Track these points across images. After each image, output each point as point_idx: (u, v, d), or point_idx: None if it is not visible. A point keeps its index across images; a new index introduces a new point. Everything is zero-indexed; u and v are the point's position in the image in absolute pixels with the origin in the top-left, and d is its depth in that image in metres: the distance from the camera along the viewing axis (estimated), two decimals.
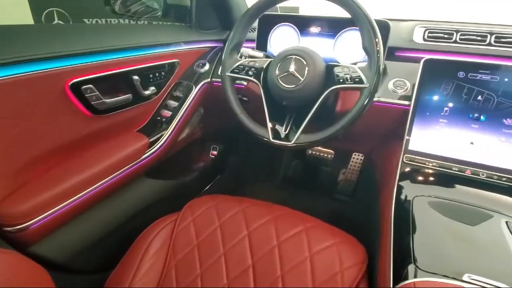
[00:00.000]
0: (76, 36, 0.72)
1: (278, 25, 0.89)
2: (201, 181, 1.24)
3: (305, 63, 0.66)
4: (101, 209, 0.79)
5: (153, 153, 0.85)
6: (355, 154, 1.38)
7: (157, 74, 0.85)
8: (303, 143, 0.68)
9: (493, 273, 0.47)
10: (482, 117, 0.67)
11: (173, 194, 1.04)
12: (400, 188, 0.68)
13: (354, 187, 1.39)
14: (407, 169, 0.70)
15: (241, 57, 0.80)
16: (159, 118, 0.90)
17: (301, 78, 0.65)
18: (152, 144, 0.85)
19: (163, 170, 0.99)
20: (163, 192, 1.01)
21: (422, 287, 0.44)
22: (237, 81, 0.88)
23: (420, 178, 0.68)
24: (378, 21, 0.75)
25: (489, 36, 0.77)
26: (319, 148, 1.42)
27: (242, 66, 0.74)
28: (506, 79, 0.67)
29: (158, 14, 0.97)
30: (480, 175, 0.65)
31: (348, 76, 0.65)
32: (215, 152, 1.27)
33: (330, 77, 0.67)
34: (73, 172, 0.70)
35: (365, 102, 0.62)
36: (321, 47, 0.84)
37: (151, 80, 0.84)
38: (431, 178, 0.68)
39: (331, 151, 1.41)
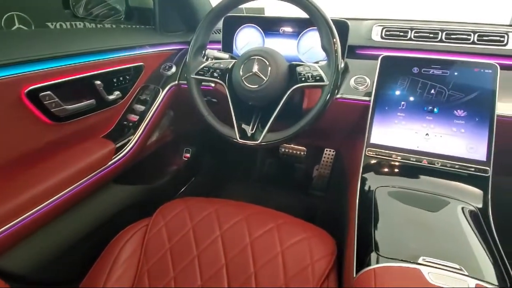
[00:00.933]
0: (33, 42, 0.70)
1: (242, 26, 0.90)
2: (175, 185, 1.23)
3: (267, 63, 0.67)
4: (68, 219, 0.77)
5: (120, 158, 0.84)
6: (327, 150, 1.42)
7: (121, 78, 0.83)
8: (270, 141, 0.69)
9: (447, 254, 0.50)
10: (435, 110, 0.72)
11: (145, 199, 1.03)
12: (364, 180, 0.71)
13: (328, 182, 1.43)
14: (370, 162, 0.73)
15: (206, 59, 0.80)
16: (125, 123, 0.88)
17: (265, 78, 0.67)
18: (118, 149, 0.84)
19: (134, 176, 0.98)
20: (135, 197, 0.99)
21: (381, 272, 0.47)
22: (205, 83, 0.89)
23: (382, 169, 0.72)
24: (337, 21, 0.78)
25: (440, 33, 0.82)
26: (291, 146, 1.45)
27: (207, 68, 0.74)
28: (455, 73, 0.72)
29: (121, 17, 0.96)
30: (436, 164, 0.69)
31: (309, 75, 0.67)
32: (188, 155, 1.26)
33: (293, 76, 0.69)
34: (35, 182, 0.67)
35: (327, 99, 0.65)
36: (285, 47, 0.86)
37: (116, 84, 0.82)
38: (392, 169, 0.71)
39: (303, 148, 1.44)
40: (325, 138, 1.14)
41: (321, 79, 0.65)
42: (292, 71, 0.69)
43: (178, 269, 0.70)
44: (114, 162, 0.82)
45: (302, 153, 1.45)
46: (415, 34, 0.83)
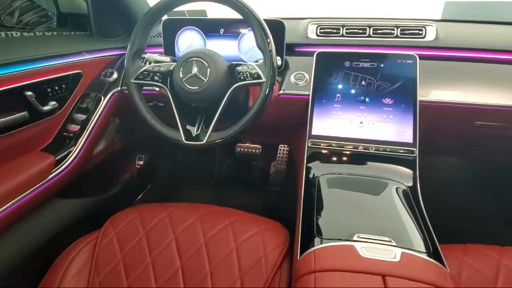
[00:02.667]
0: None
1: (183, 29, 0.90)
2: (129, 194, 1.19)
3: (206, 64, 0.68)
4: (6, 239, 0.72)
5: (62, 171, 0.80)
6: (281, 146, 1.47)
7: (57, 88, 0.79)
8: (215, 140, 0.70)
9: (379, 229, 0.55)
10: (367, 99, 0.78)
11: (96, 212, 0.99)
12: (308, 170, 0.75)
13: (284, 176, 1.48)
14: (313, 152, 0.77)
15: (147, 63, 0.79)
16: (66, 133, 0.84)
17: (205, 79, 0.68)
18: (59, 162, 0.80)
19: (81, 188, 0.93)
20: (84, 210, 0.95)
21: (320, 252, 0.50)
22: (149, 87, 0.88)
23: (324, 158, 0.76)
24: (273, 21, 0.82)
25: (368, 28, 0.88)
26: (247, 145, 1.47)
27: (146, 72, 0.74)
28: (382, 65, 0.79)
29: (53, 24, 0.91)
30: (370, 149, 0.75)
31: (248, 73, 0.69)
32: (141, 162, 1.23)
33: (233, 76, 0.71)
34: None
35: (265, 95, 0.67)
36: (227, 48, 0.88)
37: (51, 94, 0.78)
38: (333, 158, 0.76)
39: (259, 146, 1.47)
40: (276, 135, 1.18)
41: (259, 77, 0.68)
42: (232, 71, 0.71)
43: (132, 277, 0.69)
44: (55, 176, 0.78)
45: (257, 151, 1.48)
46: (346, 31, 0.89)
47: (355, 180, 0.71)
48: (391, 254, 0.48)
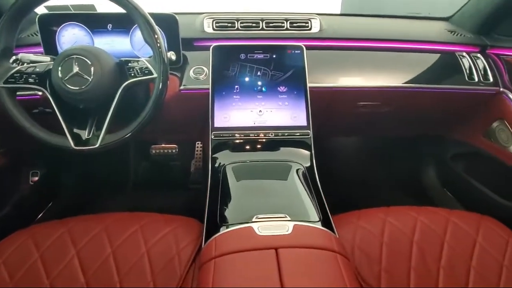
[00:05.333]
0: None
1: (63, 25, 0.82)
2: (22, 216, 1.04)
3: (89, 62, 0.63)
4: None
5: None
6: (198, 143, 1.46)
7: None
8: (110, 142, 0.66)
9: (276, 208, 0.59)
10: (264, 89, 0.82)
11: None
12: (214, 161, 0.76)
13: (204, 172, 1.47)
14: (217, 144, 0.79)
15: (19, 64, 0.70)
16: None
17: (89, 78, 0.63)
18: None
19: None
20: None
21: (221, 238, 0.52)
22: (28, 92, 0.77)
23: (229, 149, 0.79)
24: (164, 15, 0.80)
25: (261, 22, 0.93)
26: (161, 145, 1.42)
27: (19, 74, 0.65)
28: (274, 56, 0.84)
29: None
30: (270, 135, 0.79)
31: (138, 69, 0.67)
32: (36, 178, 1.08)
33: (123, 73, 0.67)
34: None
35: (159, 91, 0.66)
36: (117, 44, 0.83)
37: None
38: (237, 147, 0.79)
39: (174, 145, 1.44)
40: (187, 131, 1.17)
41: (150, 73, 0.66)
42: (122, 68, 0.68)
43: None
44: None
45: (174, 150, 1.44)
46: (241, 25, 0.93)
47: (258, 166, 0.74)
48: (284, 228, 0.53)
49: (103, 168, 1.41)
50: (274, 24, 0.93)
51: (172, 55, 0.74)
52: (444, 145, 1.23)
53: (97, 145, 0.65)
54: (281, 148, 0.80)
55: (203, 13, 0.96)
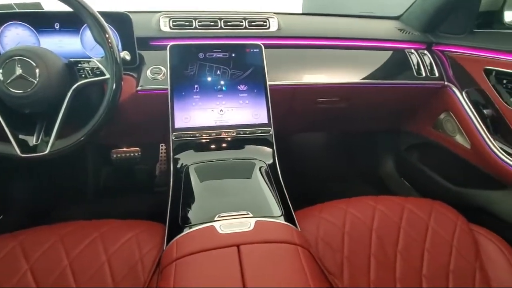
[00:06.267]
0: None
1: (5, 25, 0.76)
2: None
3: (34, 63, 0.59)
4: None
5: None
6: (162, 145, 1.42)
7: None
8: (61, 148, 0.63)
9: (239, 206, 0.59)
10: (224, 88, 0.82)
11: None
12: (176, 162, 0.75)
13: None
14: (179, 144, 0.77)
15: None
16: None
17: (34, 81, 0.59)
18: None
19: None
20: None
21: (182, 240, 0.51)
22: None
23: (190, 149, 0.78)
24: (116, 14, 0.77)
25: (219, 21, 0.93)
26: (123, 149, 1.37)
27: None
28: (233, 54, 0.84)
29: None
30: (232, 134, 0.79)
31: (89, 70, 0.64)
32: None
33: (73, 74, 0.64)
34: None
35: (113, 92, 0.63)
36: (67, 44, 0.79)
37: None
38: (199, 147, 0.78)
39: (137, 149, 1.39)
40: (149, 133, 1.13)
41: (102, 74, 0.63)
42: (72, 69, 0.64)
43: None
44: None
45: (136, 154, 1.39)
46: (199, 23, 0.92)
47: (220, 165, 0.74)
48: (246, 224, 0.53)
49: (60, 176, 1.33)
50: (233, 23, 0.93)
51: (126, 55, 0.72)
52: (399, 137, 1.30)
53: (46, 152, 0.61)
54: (243, 147, 0.80)
55: (159, 11, 0.94)
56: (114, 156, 1.37)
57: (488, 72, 0.86)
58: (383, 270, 0.67)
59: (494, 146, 0.83)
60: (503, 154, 0.80)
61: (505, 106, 0.82)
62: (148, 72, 0.82)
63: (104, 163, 1.42)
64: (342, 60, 0.99)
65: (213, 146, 0.78)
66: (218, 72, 0.82)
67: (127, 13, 0.79)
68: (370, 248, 0.70)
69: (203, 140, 0.78)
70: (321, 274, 0.62)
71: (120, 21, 0.77)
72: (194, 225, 0.55)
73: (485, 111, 0.87)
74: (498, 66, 0.83)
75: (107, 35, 0.63)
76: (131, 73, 0.81)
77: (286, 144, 0.86)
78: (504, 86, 0.82)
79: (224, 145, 0.79)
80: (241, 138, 0.80)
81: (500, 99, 0.83)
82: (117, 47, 0.65)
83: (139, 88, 0.81)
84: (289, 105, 0.96)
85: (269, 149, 0.81)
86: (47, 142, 0.62)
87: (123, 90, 0.68)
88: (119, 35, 0.78)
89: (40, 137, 0.63)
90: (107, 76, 0.63)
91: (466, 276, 0.66)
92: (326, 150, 1.57)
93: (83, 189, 1.39)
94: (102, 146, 1.36)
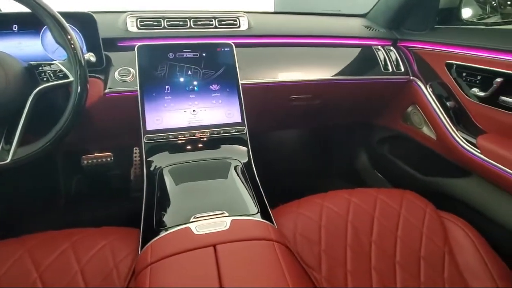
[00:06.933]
0: None
1: None
2: None
3: None
4: None
5: None
6: (135, 149, 1.38)
7: None
8: (24, 156, 0.59)
9: (215, 206, 0.59)
10: (196, 88, 0.81)
11: None
12: (149, 165, 0.73)
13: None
14: (151, 147, 0.76)
15: None
16: None
17: None
18: None
19: None
20: None
21: (156, 244, 0.50)
22: None
23: (164, 151, 0.76)
24: (79, 14, 0.74)
25: (188, 20, 0.92)
26: (94, 155, 1.32)
27: None
28: (204, 54, 0.83)
29: None
30: (206, 134, 0.79)
31: (52, 73, 0.61)
32: None
33: (34, 78, 0.61)
34: None
35: (77, 96, 0.61)
36: (27, 47, 0.75)
37: None
38: (172, 149, 0.77)
39: (109, 154, 1.34)
40: (121, 137, 1.10)
41: (65, 76, 0.61)
42: (32, 72, 0.61)
43: None
44: None
45: (109, 159, 1.35)
46: (168, 23, 0.90)
47: (195, 166, 0.73)
48: (222, 224, 0.53)
49: (27, 186, 1.26)
50: (202, 22, 0.92)
51: (91, 56, 0.69)
52: (371, 131, 1.35)
53: (8, 160, 0.58)
54: (218, 146, 0.80)
55: (126, 11, 0.91)
56: (85, 162, 1.31)
57: (449, 66, 0.90)
58: (359, 259, 0.69)
59: (458, 136, 0.87)
60: (466, 144, 0.85)
61: (466, 98, 0.87)
62: (116, 73, 0.80)
63: (75, 170, 1.36)
64: (313, 57, 1.01)
65: (187, 147, 0.77)
66: (190, 72, 0.81)
67: (91, 13, 0.77)
68: (346, 239, 0.72)
69: (177, 142, 0.77)
70: (298, 268, 0.63)
71: (84, 21, 0.74)
72: (169, 228, 0.54)
73: (448, 103, 0.91)
74: (458, 60, 0.87)
75: (69, 36, 0.60)
76: (98, 76, 0.78)
77: (262, 142, 0.86)
78: (464, 79, 0.87)
79: (198, 145, 0.78)
80: (215, 138, 0.79)
81: (461, 91, 0.87)
82: (81, 48, 0.62)
83: (107, 90, 0.78)
84: (263, 104, 0.96)
85: (244, 148, 0.81)
86: (8, 151, 0.58)
87: (90, 93, 0.66)
88: (83, 36, 0.75)
89: (1, 145, 0.59)
90: (71, 79, 0.61)
91: (436, 260, 0.69)
92: (302, 147, 1.60)
93: (54, 198, 1.33)
94: (70, 153, 1.30)
